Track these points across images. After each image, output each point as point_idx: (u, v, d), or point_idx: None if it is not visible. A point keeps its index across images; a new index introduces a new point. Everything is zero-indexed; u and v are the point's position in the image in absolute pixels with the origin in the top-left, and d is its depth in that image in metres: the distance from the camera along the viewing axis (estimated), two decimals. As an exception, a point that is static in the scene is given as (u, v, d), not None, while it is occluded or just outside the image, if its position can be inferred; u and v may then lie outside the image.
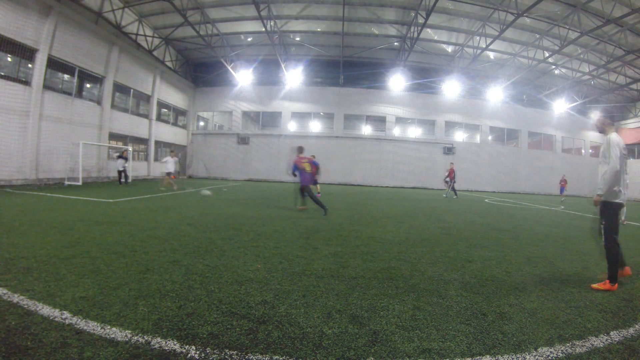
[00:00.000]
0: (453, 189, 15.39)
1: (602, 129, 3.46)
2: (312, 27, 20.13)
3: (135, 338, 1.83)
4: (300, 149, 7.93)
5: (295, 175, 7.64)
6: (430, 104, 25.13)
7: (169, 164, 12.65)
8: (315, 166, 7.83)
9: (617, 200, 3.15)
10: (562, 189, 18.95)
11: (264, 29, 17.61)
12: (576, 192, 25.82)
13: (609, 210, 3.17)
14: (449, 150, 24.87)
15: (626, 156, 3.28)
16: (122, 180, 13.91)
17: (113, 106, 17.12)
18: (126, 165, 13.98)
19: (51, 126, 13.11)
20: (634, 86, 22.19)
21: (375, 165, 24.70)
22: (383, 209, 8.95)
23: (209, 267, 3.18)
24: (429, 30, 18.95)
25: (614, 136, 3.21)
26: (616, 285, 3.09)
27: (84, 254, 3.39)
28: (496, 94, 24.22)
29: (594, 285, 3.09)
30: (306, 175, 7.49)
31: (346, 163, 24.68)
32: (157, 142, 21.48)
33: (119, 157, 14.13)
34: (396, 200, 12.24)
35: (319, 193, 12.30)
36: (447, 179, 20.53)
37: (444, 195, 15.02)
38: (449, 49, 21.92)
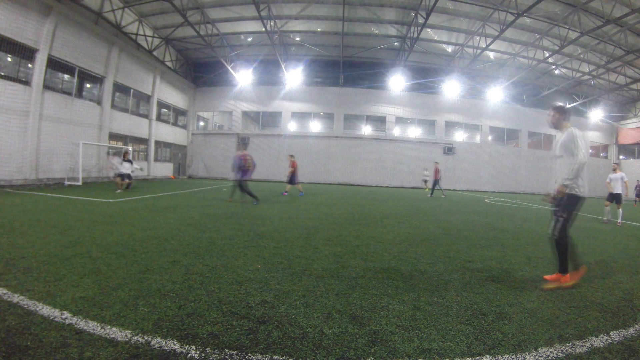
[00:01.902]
0: (433, 188, 15.32)
1: (557, 125, 3.31)
2: (312, 27, 20.14)
3: (135, 338, 1.83)
4: (243, 145, 8.27)
5: (240, 168, 8.41)
6: (430, 104, 25.14)
7: (124, 165, 11.38)
8: (254, 165, 8.82)
9: (582, 195, 3.06)
10: None
11: (264, 29, 17.62)
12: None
13: (574, 203, 3.05)
14: (449, 150, 24.87)
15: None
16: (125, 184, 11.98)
17: (113, 106, 17.12)
18: (136, 167, 12.33)
19: (51, 126, 13.11)
20: (634, 86, 22.21)
21: (375, 165, 24.70)
22: (383, 209, 8.95)
23: (209, 267, 3.18)
24: (429, 30, 18.96)
25: (576, 129, 3.12)
26: (568, 276, 3.03)
27: (84, 254, 3.39)
28: (496, 94, 24.23)
29: (546, 285, 3.01)
30: (246, 172, 8.51)
31: (346, 163, 24.68)
32: (157, 142, 21.49)
33: (125, 159, 12.16)
34: (396, 200, 12.25)
35: (285, 192, 12.45)
36: (426, 178, 20.76)
37: (442, 196, 15.05)
38: (449, 49, 21.92)
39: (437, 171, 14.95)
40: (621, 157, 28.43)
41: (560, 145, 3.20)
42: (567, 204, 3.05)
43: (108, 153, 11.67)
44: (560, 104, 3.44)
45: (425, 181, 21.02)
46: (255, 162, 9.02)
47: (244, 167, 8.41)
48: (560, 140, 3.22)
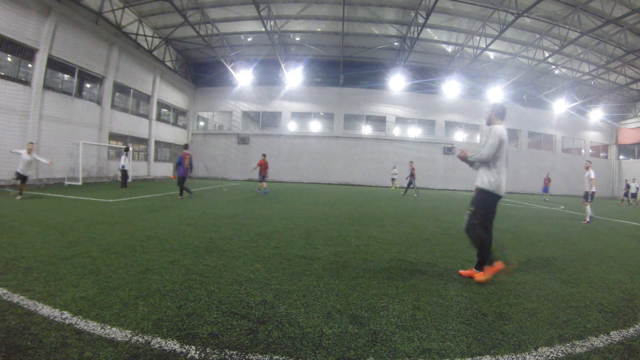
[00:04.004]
0: (413, 187, 15.51)
1: (489, 121, 3.36)
2: (312, 27, 20.13)
3: (135, 338, 1.83)
4: (186, 146, 9.85)
5: (179, 165, 9.26)
6: (430, 104, 25.13)
7: (21, 160, 8.40)
8: (191, 165, 9.59)
9: (494, 191, 3.10)
10: (545, 188, 18.13)
11: (264, 29, 17.62)
12: (577, 192, 25.81)
13: (483, 198, 3.15)
14: (449, 150, 24.86)
15: (507, 152, 3.22)
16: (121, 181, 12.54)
17: (113, 106, 17.11)
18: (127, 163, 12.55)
19: (51, 126, 13.10)
20: (634, 86, 22.20)
21: (375, 166, 24.70)
22: (383, 209, 8.95)
23: (209, 267, 3.18)
24: (429, 30, 18.95)
25: (497, 126, 3.17)
26: (482, 274, 3.07)
27: (84, 254, 3.39)
28: (496, 94, 24.19)
29: (461, 271, 3.18)
30: (186, 169, 9.31)
31: (346, 163, 24.68)
32: (157, 142, 21.49)
33: (126, 154, 12.66)
34: (396, 200, 12.24)
35: (264, 190, 12.84)
36: (394, 177, 20.85)
37: (402, 193, 15.52)
38: (449, 49, 21.91)
39: (413, 169, 15.33)
40: (621, 157, 28.43)
41: (485, 140, 3.27)
42: (477, 197, 3.20)
43: (31, 143, 8.92)
44: (497, 101, 3.47)
45: (394, 179, 21.02)
46: (192, 163, 9.86)
47: (181, 164, 9.29)
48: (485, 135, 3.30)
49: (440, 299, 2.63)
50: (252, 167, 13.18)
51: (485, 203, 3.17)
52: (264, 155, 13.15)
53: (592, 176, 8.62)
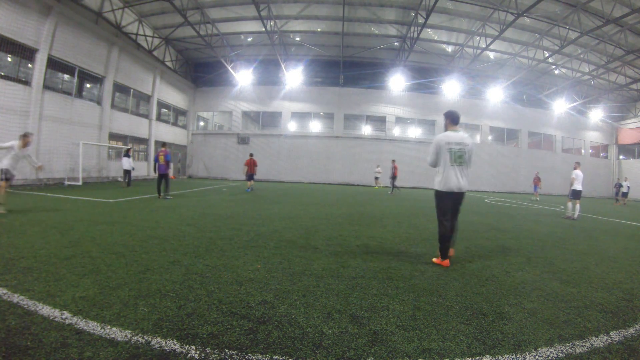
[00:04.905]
0: (394, 185, 15.80)
1: (445, 128, 3.78)
2: (312, 27, 20.14)
3: (135, 338, 1.83)
4: (163, 144, 10.09)
5: (155, 162, 9.46)
6: (430, 104, 25.13)
7: (11, 154, 6.11)
8: (167, 160, 9.49)
9: (440, 189, 3.61)
10: (535, 188, 17.93)
11: (264, 29, 17.63)
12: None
13: (436, 196, 3.70)
14: (449, 150, 24.86)
15: (461, 151, 3.52)
16: (126, 181, 13.45)
17: (113, 106, 17.11)
18: (133, 166, 13.47)
19: (51, 126, 13.10)
20: (634, 86, 22.20)
21: (375, 166, 24.69)
22: (383, 209, 8.95)
23: (209, 267, 3.18)
24: (429, 30, 18.96)
25: (437, 137, 3.62)
26: (447, 261, 3.55)
27: (84, 254, 3.39)
28: (496, 94, 24.22)
29: (434, 259, 3.68)
30: (160, 166, 9.39)
31: (346, 163, 24.68)
32: (157, 142, 21.47)
33: (126, 155, 13.57)
34: (396, 200, 12.24)
35: (251, 188, 13.19)
36: (378, 175, 20.99)
37: (389, 193, 15.71)
38: (449, 49, 21.91)
39: (395, 169, 15.61)
40: (621, 157, 28.43)
41: None
42: (434, 196, 3.74)
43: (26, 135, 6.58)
44: (450, 110, 3.79)
45: (377, 178, 21.12)
46: (169, 158, 9.75)
47: (157, 160, 9.41)
48: None
49: (440, 299, 2.63)
50: (243, 169, 13.38)
51: (438, 200, 3.69)
52: (251, 155, 13.59)
53: (573, 175, 8.92)
